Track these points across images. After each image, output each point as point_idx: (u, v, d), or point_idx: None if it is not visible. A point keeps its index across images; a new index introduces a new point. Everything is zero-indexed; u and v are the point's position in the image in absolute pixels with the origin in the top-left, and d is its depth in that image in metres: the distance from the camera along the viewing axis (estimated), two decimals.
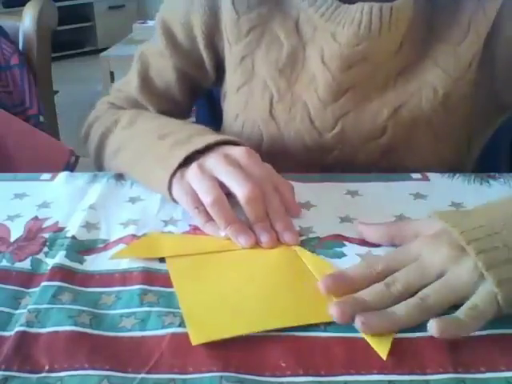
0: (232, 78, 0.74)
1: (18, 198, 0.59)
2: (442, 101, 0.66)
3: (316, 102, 0.68)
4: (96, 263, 0.49)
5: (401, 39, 0.65)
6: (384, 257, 0.47)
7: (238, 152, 0.55)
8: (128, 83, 0.81)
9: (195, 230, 0.54)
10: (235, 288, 0.46)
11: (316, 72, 0.67)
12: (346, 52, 0.64)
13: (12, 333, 0.41)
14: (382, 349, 0.40)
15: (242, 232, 0.51)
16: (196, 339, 0.40)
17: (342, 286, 0.44)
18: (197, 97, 0.85)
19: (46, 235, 0.52)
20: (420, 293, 0.42)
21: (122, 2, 5.07)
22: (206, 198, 0.52)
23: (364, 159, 0.70)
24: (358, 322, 0.41)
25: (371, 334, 0.40)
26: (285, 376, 0.38)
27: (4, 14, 2.07)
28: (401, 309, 0.41)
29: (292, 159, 0.71)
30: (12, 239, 0.52)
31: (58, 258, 0.49)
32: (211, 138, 0.58)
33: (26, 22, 1.10)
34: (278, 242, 0.51)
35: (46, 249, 0.51)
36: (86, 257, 0.49)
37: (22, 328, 0.42)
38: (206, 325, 0.42)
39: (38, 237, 0.52)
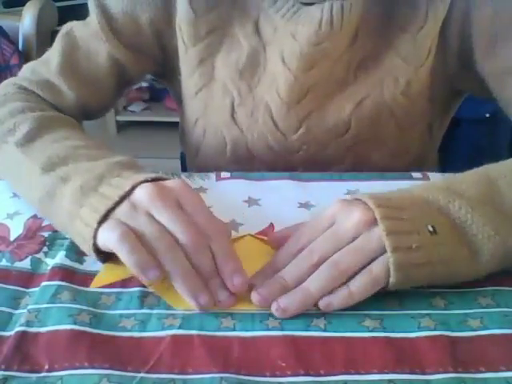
0: (189, 82, 0.71)
1: (16, 197, 0.59)
2: (404, 90, 0.65)
3: (278, 103, 0.66)
4: (96, 264, 0.48)
5: (355, 32, 0.64)
6: (303, 227, 0.48)
7: (173, 185, 0.47)
8: (46, 63, 0.69)
9: None
10: None
11: (277, 73, 0.65)
12: (305, 50, 0.62)
13: (12, 333, 0.41)
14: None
15: (200, 291, 0.43)
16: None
17: (274, 286, 0.44)
18: (124, 90, 0.76)
19: (46, 234, 0.52)
20: (331, 259, 0.44)
21: None
22: (158, 244, 0.44)
23: (330, 156, 0.69)
24: (273, 309, 0.43)
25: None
26: (285, 376, 0.38)
27: (4, 13, 2.07)
28: (314, 283, 0.43)
29: (257, 161, 0.71)
30: (12, 238, 0.52)
31: (58, 258, 0.49)
32: (124, 183, 0.47)
33: (25, 22, 1.10)
34: (235, 300, 0.44)
35: (45, 248, 0.51)
36: (85, 257, 0.49)
37: (21, 328, 0.42)
38: None
39: (37, 235, 0.52)
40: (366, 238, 0.44)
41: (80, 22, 0.71)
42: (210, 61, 0.68)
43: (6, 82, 0.70)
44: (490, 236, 0.44)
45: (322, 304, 0.43)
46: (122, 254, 0.43)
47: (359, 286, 0.43)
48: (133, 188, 0.46)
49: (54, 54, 0.69)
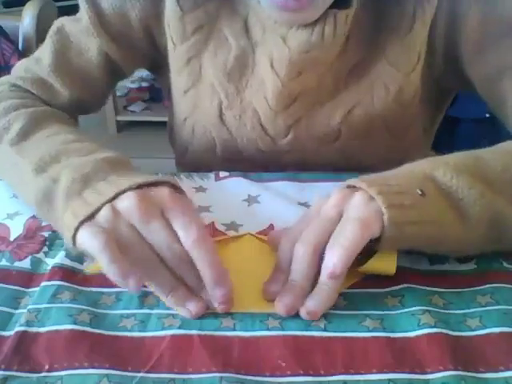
0: (178, 80, 0.70)
1: (16, 197, 0.59)
2: (395, 98, 0.64)
3: (266, 109, 0.66)
4: (96, 263, 0.49)
5: (345, 39, 0.62)
6: (296, 225, 0.49)
7: (158, 195, 0.46)
8: (38, 61, 0.69)
9: None
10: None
11: (265, 77, 0.64)
12: (295, 57, 0.60)
13: (12, 332, 0.41)
14: (389, 267, 0.45)
15: (188, 300, 0.44)
16: None
17: (283, 284, 0.45)
18: (115, 84, 0.77)
19: (46, 234, 0.52)
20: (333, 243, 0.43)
21: None
22: (141, 261, 0.44)
23: (323, 158, 0.69)
24: (302, 314, 0.43)
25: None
26: (285, 376, 0.38)
27: (4, 13, 2.07)
28: (323, 288, 0.43)
29: (248, 161, 0.70)
30: (12, 238, 0.52)
31: (58, 257, 0.49)
32: (108, 188, 0.46)
33: (25, 21, 1.10)
34: (230, 305, 0.44)
35: (45, 248, 0.51)
36: (85, 257, 0.49)
37: (21, 328, 0.42)
38: None
39: (37, 235, 0.52)
40: (350, 211, 0.44)
41: (70, 18, 0.71)
42: (197, 59, 0.67)
43: None
44: (476, 199, 0.45)
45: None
46: (103, 263, 0.42)
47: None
48: (116, 195, 0.45)
49: (45, 52, 0.69)
